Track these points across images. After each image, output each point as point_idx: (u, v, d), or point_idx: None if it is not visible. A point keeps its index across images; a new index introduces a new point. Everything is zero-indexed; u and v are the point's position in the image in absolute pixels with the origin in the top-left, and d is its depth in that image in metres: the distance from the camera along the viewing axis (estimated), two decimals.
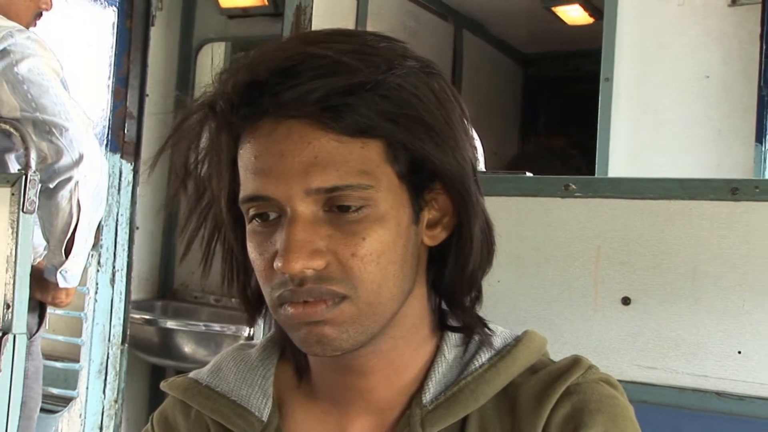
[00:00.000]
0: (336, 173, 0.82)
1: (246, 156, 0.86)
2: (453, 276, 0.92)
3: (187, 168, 0.92)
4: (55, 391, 3.06)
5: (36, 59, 2.23)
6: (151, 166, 0.99)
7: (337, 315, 0.86)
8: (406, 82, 0.83)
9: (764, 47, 2.64)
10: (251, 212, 0.87)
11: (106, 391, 3.18)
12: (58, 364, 3.10)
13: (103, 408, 3.17)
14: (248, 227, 0.88)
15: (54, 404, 3.05)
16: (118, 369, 3.21)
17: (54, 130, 2.14)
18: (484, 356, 0.95)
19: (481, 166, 1.51)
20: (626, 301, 1.36)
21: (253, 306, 0.93)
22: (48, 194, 2.15)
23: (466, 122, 0.91)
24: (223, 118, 0.87)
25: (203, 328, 3.46)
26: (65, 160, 2.15)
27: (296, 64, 0.81)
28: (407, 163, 0.85)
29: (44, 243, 2.33)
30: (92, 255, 3.05)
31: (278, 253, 0.83)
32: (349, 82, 0.80)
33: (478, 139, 1.50)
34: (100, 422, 3.16)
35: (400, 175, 0.85)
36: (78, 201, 2.20)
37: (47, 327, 2.61)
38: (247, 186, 0.86)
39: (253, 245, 0.88)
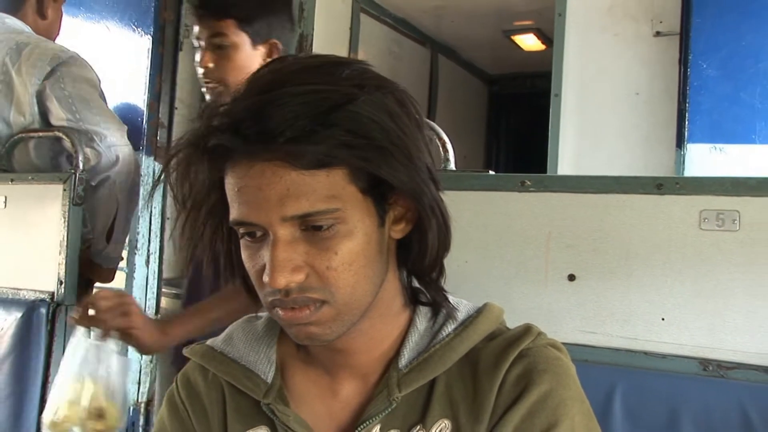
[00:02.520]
0: (307, 201, 0.81)
1: (230, 186, 0.85)
2: (418, 259, 0.92)
3: (183, 194, 0.91)
4: None
5: (79, 77, 2.22)
6: (150, 194, 0.98)
7: (320, 317, 0.86)
8: (363, 110, 0.81)
9: (682, 70, 2.66)
10: (241, 231, 0.87)
11: (143, 354, 3.17)
12: None
13: (140, 367, 3.17)
14: (241, 241, 0.88)
15: None
16: None
17: (95, 137, 2.14)
18: (450, 327, 0.95)
19: (452, 164, 1.50)
20: (572, 277, 1.36)
21: (254, 292, 0.92)
22: (91, 191, 2.14)
23: (419, 132, 0.89)
24: (205, 157, 0.86)
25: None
26: (104, 162, 2.15)
27: (264, 109, 0.79)
28: (368, 180, 0.84)
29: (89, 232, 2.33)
30: (129, 241, 3.05)
31: (265, 270, 0.83)
32: (311, 125, 0.78)
33: (449, 143, 1.50)
34: (138, 378, 3.16)
35: (364, 191, 0.84)
36: (116, 196, 2.19)
37: None
38: (234, 212, 0.85)
39: (245, 257, 0.88)
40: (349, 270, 0.85)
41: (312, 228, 0.83)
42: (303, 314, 0.86)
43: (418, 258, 0.92)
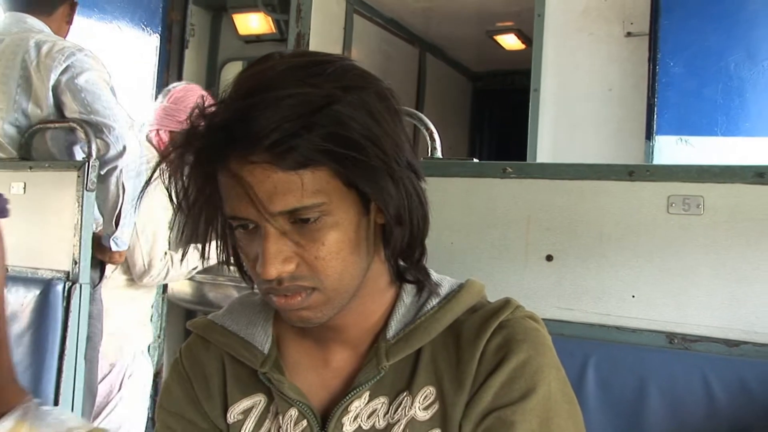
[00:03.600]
0: (294, 197, 0.80)
1: (222, 183, 0.84)
2: (401, 241, 0.90)
3: (177, 190, 0.89)
4: None
5: (91, 72, 2.22)
6: (142, 190, 0.96)
7: (311, 303, 0.86)
8: (344, 112, 0.80)
9: (651, 67, 2.67)
10: (235, 224, 0.86)
11: (152, 328, 3.17)
12: None
13: (149, 342, 3.17)
14: (235, 232, 0.87)
15: None
16: (160, 312, 3.20)
17: (104, 129, 2.13)
18: (434, 300, 0.95)
19: (438, 153, 1.50)
20: (549, 258, 1.36)
21: (249, 277, 0.92)
22: (100, 179, 2.13)
23: (400, 124, 0.88)
24: (197, 156, 0.85)
25: (224, 280, 3.47)
26: (112, 152, 2.14)
27: (250, 113, 0.78)
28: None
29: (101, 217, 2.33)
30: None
31: (258, 260, 0.83)
32: (293, 128, 0.77)
33: (437, 133, 1.49)
34: (148, 351, 3.16)
35: (347, 184, 0.83)
36: (122, 184, 2.18)
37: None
38: (227, 207, 0.84)
39: (241, 247, 0.88)
40: (336, 258, 0.84)
41: (300, 221, 0.82)
42: (295, 301, 0.86)
43: (401, 239, 0.90)
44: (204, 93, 2.26)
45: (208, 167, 0.85)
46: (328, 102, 0.79)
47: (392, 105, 0.88)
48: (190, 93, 2.51)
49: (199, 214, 0.91)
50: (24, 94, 2.25)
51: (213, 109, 0.82)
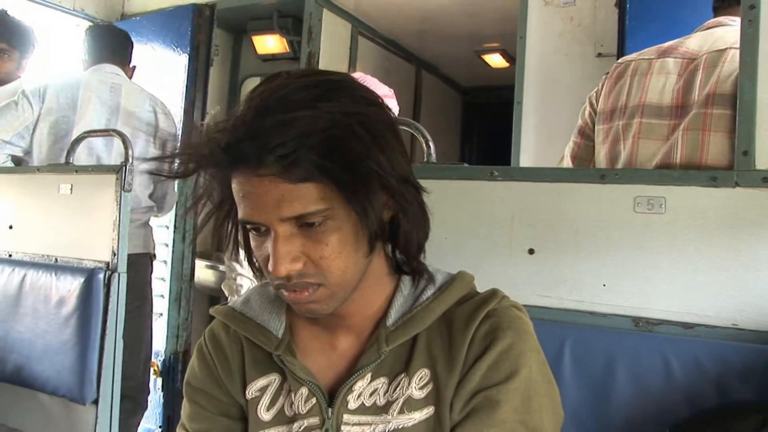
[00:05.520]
0: (300, 205, 0.80)
1: (235, 191, 0.84)
2: (402, 238, 0.91)
3: (196, 193, 0.90)
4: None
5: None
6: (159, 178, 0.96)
7: (317, 297, 0.87)
8: (342, 128, 0.79)
9: None
10: (248, 227, 0.86)
11: (180, 311, 3.17)
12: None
13: (178, 323, 3.17)
14: (249, 233, 0.88)
15: None
16: (188, 298, 3.20)
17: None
18: (429, 292, 0.95)
19: (433, 158, 1.50)
20: (531, 251, 1.36)
21: (262, 272, 0.91)
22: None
23: (397, 146, 0.86)
24: (212, 167, 0.85)
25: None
26: None
27: (258, 132, 0.78)
28: None
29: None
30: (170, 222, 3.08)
31: (269, 259, 0.83)
32: (296, 147, 0.77)
33: (432, 141, 1.49)
34: (176, 332, 3.16)
35: None
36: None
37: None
38: (241, 212, 0.84)
39: (254, 246, 0.88)
40: (339, 257, 0.85)
41: (306, 224, 0.82)
42: (303, 296, 0.86)
43: (403, 236, 0.91)
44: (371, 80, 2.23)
45: (223, 177, 0.85)
46: (331, 125, 0.79)
47: (391, 125, 0.87)
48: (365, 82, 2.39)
49: (220, 216, 0.91)
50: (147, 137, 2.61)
51: (229, 123, 0.82)
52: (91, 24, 3.34)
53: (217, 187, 0.88)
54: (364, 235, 0.85)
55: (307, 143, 0.77)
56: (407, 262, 0.96)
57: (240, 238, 0.93)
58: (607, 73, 1.74)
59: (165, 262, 3.14)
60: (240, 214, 0.85)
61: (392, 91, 2.30)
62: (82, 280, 1.96)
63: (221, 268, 3.35)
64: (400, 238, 0.91)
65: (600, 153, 1.66)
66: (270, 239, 0.83)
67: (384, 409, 0.92)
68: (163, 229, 3.12)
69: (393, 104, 2.24)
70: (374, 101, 0.87)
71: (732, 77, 1.44)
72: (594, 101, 1.76)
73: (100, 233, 2.02)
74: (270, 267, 0.83)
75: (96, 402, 1.93)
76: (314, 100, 0.80)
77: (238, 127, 0.80)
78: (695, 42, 1.59)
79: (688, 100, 1.51)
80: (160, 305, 3.09)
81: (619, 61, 1.73)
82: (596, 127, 1.71)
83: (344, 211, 0.83)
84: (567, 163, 1.79)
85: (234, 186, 0.84)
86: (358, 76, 2.26)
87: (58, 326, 1.97)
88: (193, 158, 0.85)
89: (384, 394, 0.93)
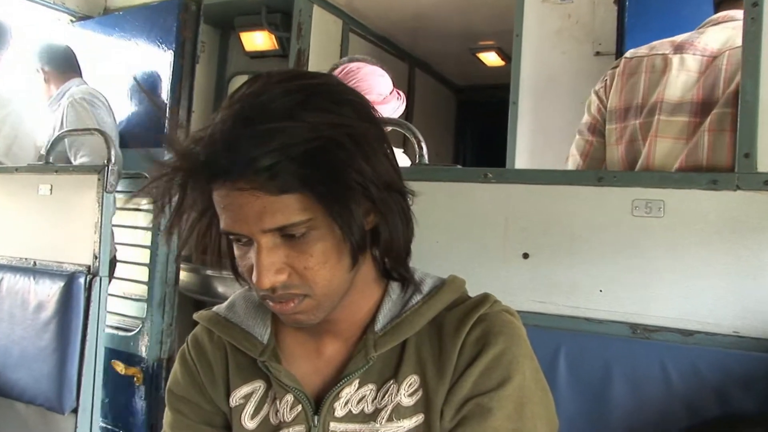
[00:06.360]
0: (282, 216, 0.79)
1: (216, 201, 0.83)
2: (387, 244, 0.90)
3: (165, 203, 0.87)
4: (131, 317, 3.05)
5: None
6: (133, 194, 0.94)
7: (303, 308, 0.86)
8: (324, 139, 0.78)
9: None
10: (230, 237, 0.85)
11: (164, 317, 3.15)
12: (133, 299, 3.08)
13: (162, 329, 3.15)
14: (232, 244, 0.87)
15: (130, 327, 3.03)
16: (172, 303, 3.19)
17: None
18: (418, 296, 0.95)
19: (426, 159, 1.50)
20: (526, 255, 1.36)
21: (244, 278, 0.91)
22: None
23: (381, 153, 0.85)
24: (192, 177, 0.83)
25: (229, 274, 3.47)
26: None
27: (239, 143, 0.77)
28: None
29: None
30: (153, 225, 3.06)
31: (253, 270, 0.82)
32: (276, 159, 0.76)
33: (424, 142, 1.49)
34: (160, 339, 3.15)
35: None
36: None
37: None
38: (222, 223, 0.83)
39: (237, 256, 0.87)
40: (324, 267, 0.84)
41: (289, 235, 0.81)
42: (289, 307, 0.86)
43: (387, 243, 0.90)
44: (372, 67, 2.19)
45: (204, 188, 0.84)
46: (313, 137, 0.77)
47: (376, 130, 0.86)
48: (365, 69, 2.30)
49: (199, 224, 0.90)
50: None
51: (207, 132, 0.80)
52: None
53: (198, 197, 0.87)
54: (348, 245, 0.84)
55: (287, 155, 0.76)
56: (396, 266, 0.95)
57: (225, 247, 0.92)
58: (615, 67, 1.72)
59: (149, 266, 3.12)
60: (222, 225, 0.84)
61: (396, 91, 2.26)
62: (61, 284, 1.96)
63: (207, 272, 3.34)
64: (381, 246, 0.90)
65: (614, 154, 1.63)
66: (253, 250, 0.83)
67: (372, 416, 0.92)
68: (141, 232, 3.09)
69: (391, 107, 2.20)
70: (358, 104, 0.86)
71: None
72: (603, 96, 1.73)
73: (81, 236, 2.01)
74: (254, 279, 0.83)
75: (75, 411, 1.92)
76: (296, 107, 0.79)
77: (216, 140, 0.79)
78: (712, 38, 1.57)
79: (711, 98, 1.49)
80: (141, 311, 3.08)
81: (628, 55, 1.70)
82: (607, 127, 1.68)
83: (328, 220, 0.82)
84: (574, 162, 1.75)
85: (215, 197, 0.83)
86: (359, 65, 2.23)
87: (36, 332, 1.96)
88: (172, 174, 0.83)
89: (372, 401, 0.93)
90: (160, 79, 3.19)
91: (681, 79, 1.54)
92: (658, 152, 1.51)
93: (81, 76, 2.96)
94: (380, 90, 2.15)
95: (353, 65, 2.23)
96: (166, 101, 3.13)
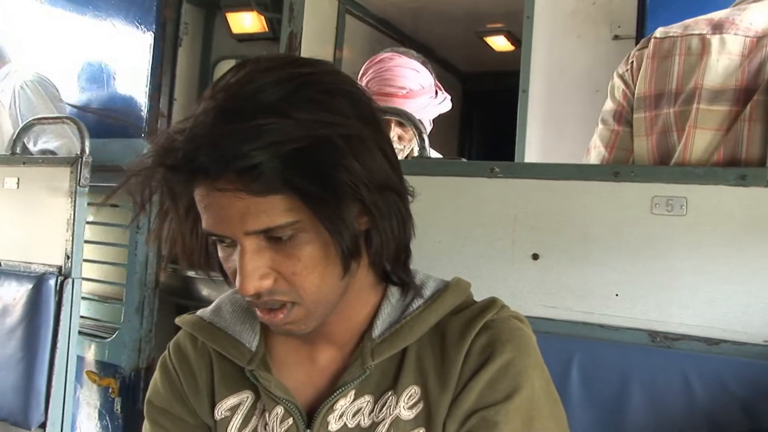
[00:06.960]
0: (267, 217, 0.79)
1: (198, 200, 0.82)
2: (383, 246, 0.88)
3: (145, 200, 0.86)
4: (106, 322, 3.05)
5: None
6: (108, 197, 0.93)
7: (293, 318, 0.86)
8: (314, 138, 0.77)
9: None
10: (212, 239, 0.85)
11: (143, 323, 3.14)
12: (109, 302, 3.08)
13: (140, 336, 3.15)
14: (216, 245, 0.86)
15: (105, 333, 3.03)
16: (151, 307, 3.18)
17: None
18: (419, 301, 0.95)
19: (428, 152, 1.50)
20: (535, 256, 1.36)
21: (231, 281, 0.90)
22: None
23: (377, 151, 0.84)
24: (172, 175, 0.82)
25: (216, 275, 3.46)
26: None
27: (220, 140, 0.76)
28: None
29: None
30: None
31: (236, 275, 0.82)
32: (260, 158, 0.75)
33: (426, 133, 1.49)
34: (138, 347, 3.14)
35: None
36: None
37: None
38: (204, 223, 0.83)
39: (222, 258, 0.87)
40: (313, 273, 0.83)
41: (275, 238, 0.81)
42: (278, 318, 0.86)
43: (383, 244, 0.88)
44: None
45: (185, 185, 0.83)
46: (302, 135, 0.76)
47: (374, 128, 0.85)
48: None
49: (181, 222, 0.89)
50: None
51: (188, 124, 0.79)
52: None
53: (182, 194, 0.86)
54: (338, 250, 0.84)
55: (273, 154, 0.76)
56: (394, 269, 0.95)
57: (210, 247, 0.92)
58: (642, 48, 1.67)
59: (126, 266, 3.12)
60: (203, 225, 0.83)
61: (437, 89, 2.25)
62: (29, 286, 1.95)
63: (189, 273, 3.34)
64: (372, 251, 0.89)
65: (642, 147, 1.58)
66: (237, 252, 0.82)
67: (369, 430, 0.92)
68: (117, 230, 3.09)
69: (417, 103, 2.18)
70: (354, 94, 0.85)
71: None
72: (629, 80, 1.69)
73: (52, 234, 2.01)
74: (237, 284, 0.82)
75: (43, 426, 1.92)
76: (285, 99, 0.78)
77: (196, 134, 0.78)
78: (757, 15, 1.53)
79: (755, 84, 1.45)
80: (117, 315, 3.07)
81: (658, 35, 1.65)
82: (634, 116, 1.64)
83: (316, 222, 0.81)
84: (598, 155, 1.71)
85: (195, 196, 0.82)
86: (393, 55, 2.24)
87: (1, 339, 1.96)
88: (152, 170, 0.82)
89: (369, 414, 0.92)
90: (138, 63, 3.19)
91: (722, 63, 1.50)
92: (697, 145, 1.47)
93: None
94: (404, 84, 2.15)
95: (387, 54, 2.25)
96: (145, 88, 3.13)
